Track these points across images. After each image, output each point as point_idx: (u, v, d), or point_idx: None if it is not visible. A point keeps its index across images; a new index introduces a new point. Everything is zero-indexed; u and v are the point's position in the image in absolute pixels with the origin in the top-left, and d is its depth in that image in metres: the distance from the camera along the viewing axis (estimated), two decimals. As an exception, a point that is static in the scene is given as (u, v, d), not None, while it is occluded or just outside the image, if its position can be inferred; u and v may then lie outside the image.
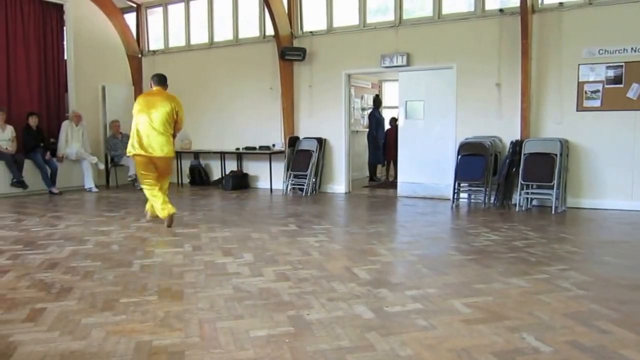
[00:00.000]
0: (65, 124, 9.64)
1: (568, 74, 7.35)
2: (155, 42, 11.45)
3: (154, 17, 11.42)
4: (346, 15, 9.19)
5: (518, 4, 7.34)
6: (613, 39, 7.05)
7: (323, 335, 2.82)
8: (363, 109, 11.96)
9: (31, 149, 9.07)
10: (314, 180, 9.24)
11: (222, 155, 10.25)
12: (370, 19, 8.98)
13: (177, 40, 11.13)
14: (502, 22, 7.75)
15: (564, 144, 7.22)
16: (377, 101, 11.33)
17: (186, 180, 10.76)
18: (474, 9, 8.02)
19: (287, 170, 9.37)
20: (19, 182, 8.80)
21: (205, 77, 10.59)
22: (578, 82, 7.30)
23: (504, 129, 7.81)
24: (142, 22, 11.42)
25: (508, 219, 6.55)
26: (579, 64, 7.28)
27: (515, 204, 7.32)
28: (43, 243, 5.17)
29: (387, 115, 11.67)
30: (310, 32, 9.46)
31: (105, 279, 3.91)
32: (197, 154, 10.65)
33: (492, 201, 7.58)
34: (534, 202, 7.48)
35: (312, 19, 9.52)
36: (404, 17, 8.62)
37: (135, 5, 11.26)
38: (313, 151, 9.17)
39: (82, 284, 3.78)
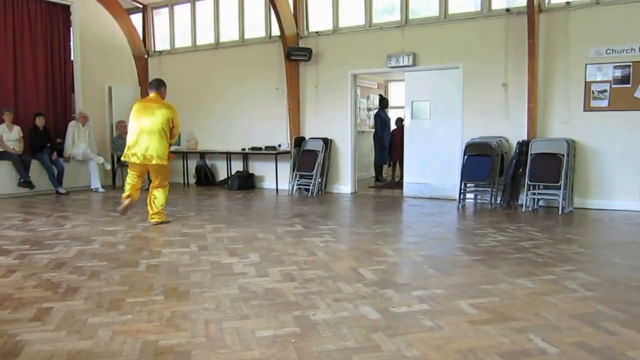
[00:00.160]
0: (71, 125, 9.69)
1: (575, 74, 7.32)
2: (161, 42, 11.48)
3: (160, 17, 11.46)
4: (352, 15, 9.18)
5: (525, 4, 7.31)
6: (620, 38, 7.01)
7: (329, 335, 2.81)
8: (369, 109, 11.95)
9: (38, 149, 9.12)
10: (319, 180, 9.23)
11: (228, 155, 10.27)
12: (376, 19, 8.96)
13: (183, 40, 11.17)
14: (508, 22, 7.72)
15: (571, 144, 7.18)
16: (384, 101, 11.32)
17: (192, 180, 10.79)
18: (481, 9, 7.99)
19: (293, 170, 9.37)
20: (26, 182, 8.85)
21: (211, 77, 10.62)
22: (585, 82, 7.26)
23: (511, 129, 7.78)
24: (148, 23, 11.46)
25: (514, 220, 6.52)
26: (586, 64, 7.24)
27: (522, 205, 7.29)
28: (50, 243, 5.20)
29: (393, 115, 11.65)
30: (316, 32, 9.46)
31: (112, 278, 3.93)
32: (203, 154, 10.67)
33: (498, 202, 7.55)
34: (541, 203, 7.44)
35: (318, 19, 9.52)
36: (410, 17, 8.60)
37: (141, 6, 11.30)
38: (319, 151, 9.17)
39: (88, 283, 3.80)
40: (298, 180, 9.34)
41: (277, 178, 9.58)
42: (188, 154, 10.72)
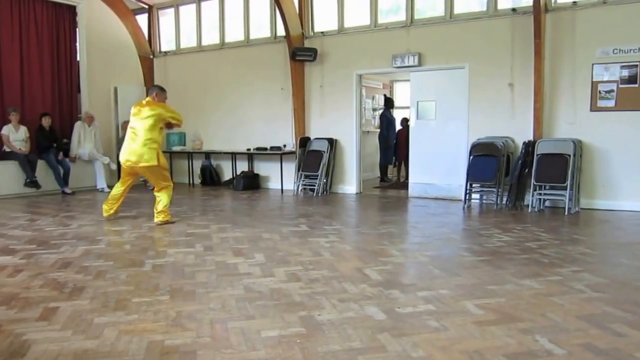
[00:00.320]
0: (77, 125, 9.73)
1: (582, 74, 7.28)
2: (166, 43, 11.51)
3: (166, 18, 11.49)
4: (357, 16, 9.17)
5: (531, 3, 7.28)
6: (628, 38, 6.97)
7: (334, 336, 2.81)
8: (374, 110, 11.94)
9: (44, 149, 9.16)
10: (324, 180, 9.23)
11: (233, 155, 10.28)
12: (381, 19, 8.95)
13: (188, 41, 11.19)
14: (514, 22, 7.69)
15: (578, 145, 7.15)
16: (389, 101, 11.31)
17: (197, 180, 10.81)
18: (486, 9, 7.96)
19: (298, 170, 9.38)
20: (32, 182, 8.89)
21: (217, 77, 10.64)
22: (592, 82, 7.22)
23: (517, 130, 7.75)
24: (154, 23, 11.49)
25: (520, 220, 6.49)
26: (592, 64, 7.20)
27: (528, 205, 7.26)
28: (56, 243, 5.22)
29: (397, 115, 11.63)
30: (322, 32, 9.45)
31: (118, 278, 3.94)
32: (208, 155, 10.69)
33: (504, 202, 7.52)
34: (547, 203, 7.41)
35: (323, 19, 9.51)
36: (416, 17, 8.58)
37: (146, 7, 11.34)
38: (324, 152, 9.17)
39: (94, 283, 3.81)
40: (303, 181, 9.34)
41: (282, 178, 9.59)
42: (193, 154, 10.74)
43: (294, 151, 9.54)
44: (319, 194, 9.06)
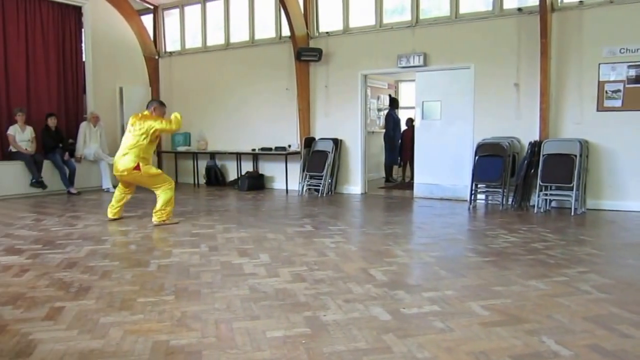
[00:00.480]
0: (83, 125, 9.76)
1: (588, 74, 7.24)
2: (172, 43, 11.54)
3: (171, 18, 11.51)
4: (362, 16, 9.16)
5: (537, 3, 7.25)
6: (635, 37, 6.92)
7: (339, 336, 2.80)
8: (379, 110, 11.92)
9: (50, 149, 9.19)
10: (329, 181, 9.22)
11: (238, 155, 10.29)
12: (386, 19, 8.94)
13: (193, 41, 11.21)
14: (520, 22, 7.66)
15: (584, 145, 7.11)
16: (394, 102, 11.28)
17: (202, 180, 10.83)
18: (492, 8, 7.94)
19: (303, 171, 9.37)
20: (38, 182, 8.93)
21: (222, 78, 10.65)
22: (598, 82, 7.18)
23: (522, 130, 7.72)
24: (159, 24, 11.52)
25: (526, 221, 6.47)
26: (599, 63, 7.16)
27: (534, 206, 7.23)
28: (62, 242, 5.23)
29: (402, 115, 11.62)
30: (327, 32, 9.45)
31: (123, 278, 3.94)
32: (213, 155, 10.70)
33: (510, 203, 7.49)
34: (553, 204, 7.38)
35: (328, 20, 9.51)
36: (421, 17, 8.57)
37: (152, 7, 11.36)
38: (329, 152, 9.16)
39: (100, 283, 3.82)
40: (308, 181, 9.33)
41: (287, 179, 9.58)
42: (198, 154, 10.76)
43: (298, 151, 9.54)
44: (324, 195, 9.06)
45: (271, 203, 8.34)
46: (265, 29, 10.23)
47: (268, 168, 10.19)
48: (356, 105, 9.20)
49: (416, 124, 8.94)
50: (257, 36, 10.30)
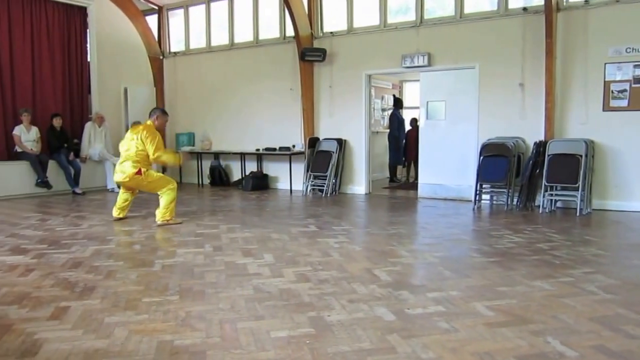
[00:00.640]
0: (88, 125, 9.79)
1: (594, 73, 7.21)
2: (176, 43, 11.56)
3: (175, 19, 11.54)
4: (367, 16, 9.15)
5: (542, 3, 7.22)
6: (640, 37, 6.90)
7: (344, 336, 2.80)
8: (383, 110, 11.91)
9: (55, 149, 9.22)
10: (334, 181, 9.22)
11: (242, 156, 10.30)
12: (391, 19, 8.92)
13: (198, 41, 11.23)
14: (525, 21, 7.63)
15: (590, 145, 7.08)
16: (399, 102, 11.27)
17: (206, 180, 10.84)
18: (497, 8, 7.91)
19: (307, 171, 9.37)
20: (43, 183, 8.96)
21: (226, 78, 10.66)
22: (604, 82, 7.15)
23: (527, 130, 7.69)
24: (164, 24, 11.54)
25: (531, 221, 6.45)
26: (605, 63, 7.12)
27: (539, 206, 7.21)
28: (67, 242, 5.25)
29: (407, 115, 11.60)
30: (331, 32, 9.44)
31: (128, 278, 3.95)
32: (217, 155, 10.71)
33: (514, 203, 7.47)
34: (558, 204, 7.35)
35: (333, 20, 9.50)
36: (425, 16, 8.55)
37: (156, 7, 11.39)
38: (333, 152, 9.15)
39: (105, 283, 3.82)
40: (312, 181, 9.33)
41: (291, 179, 9.58)
42: (202, 154, 10.78)
43: (303, 151, 9.54)
44: (328, 195, 9.05)
45: (275, 203, 8.34)
46: (270, 29, 10.23)
47: (272, 168, 10.20)
48: (360, 105, 9.19)
49: (420, 124, 8.93)
50: (262, 36, 10.31)
